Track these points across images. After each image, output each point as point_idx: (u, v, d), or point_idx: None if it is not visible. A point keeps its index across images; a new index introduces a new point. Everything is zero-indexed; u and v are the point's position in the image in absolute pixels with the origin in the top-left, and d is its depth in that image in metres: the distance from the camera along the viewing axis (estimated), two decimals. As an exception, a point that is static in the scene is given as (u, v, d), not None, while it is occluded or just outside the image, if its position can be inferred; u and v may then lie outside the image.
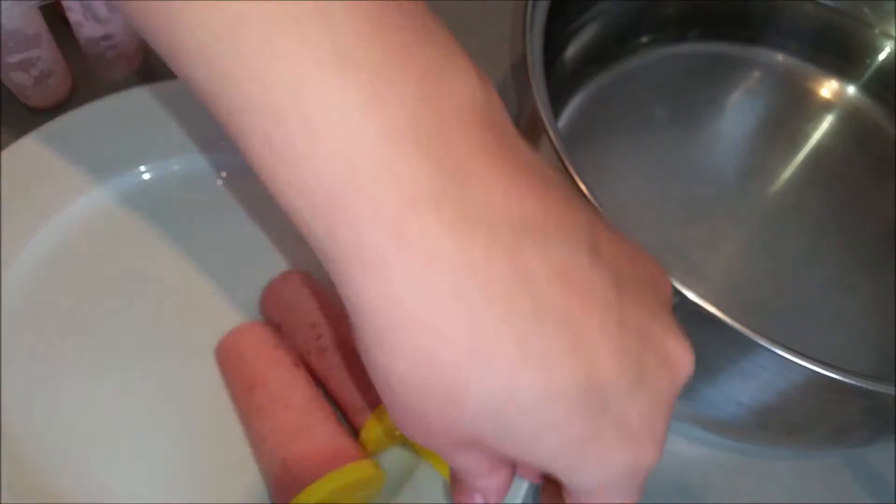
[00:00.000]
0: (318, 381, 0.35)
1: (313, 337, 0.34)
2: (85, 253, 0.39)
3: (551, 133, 0.31)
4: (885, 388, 0.27)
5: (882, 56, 0.49)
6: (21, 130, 0.40)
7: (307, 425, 0.32)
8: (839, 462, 0.38)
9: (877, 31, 0.49)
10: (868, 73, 0.49)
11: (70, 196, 0.39)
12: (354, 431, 0.33)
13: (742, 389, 0.31)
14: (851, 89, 0.49)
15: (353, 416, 0.33)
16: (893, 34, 0.48)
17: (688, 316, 0.29)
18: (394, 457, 0.35)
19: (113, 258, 0.39)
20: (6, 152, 0.39)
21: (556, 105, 0.45)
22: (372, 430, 0.32)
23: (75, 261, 0.39)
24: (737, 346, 0.29)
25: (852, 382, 0.27)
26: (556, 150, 0.30)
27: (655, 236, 0.41)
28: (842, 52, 0.49)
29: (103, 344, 0.37)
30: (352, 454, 0.31)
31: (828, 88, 0.49)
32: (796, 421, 0.33)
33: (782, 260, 0.42)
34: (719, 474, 0.37)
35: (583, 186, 0.29)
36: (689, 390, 0.34)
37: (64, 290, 0.38)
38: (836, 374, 0.26)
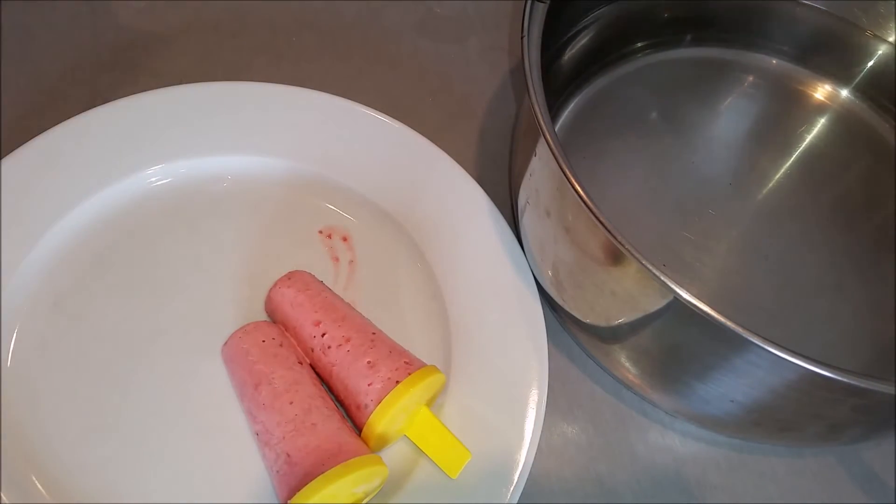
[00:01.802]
0: (322, 379, 0.36)
1: (317, 334, 0.35)
2: (94, 253, 0.40)
3: (548, 136, 0.31)
4: (878, 386, 0.27)
5: (875, 59, 0.49)
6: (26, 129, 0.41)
7: (312, 421, 0.32)
8: (833, 459, 0.38)
9: (870, 34, 0.49)
10: (861, 76, 0.49)
11: (80, 197, 0.40)
12: (357, 428, 0.34)
13: (735, 387, 0.32)
14: (844, 92, 0.49)
15: (356, 412, 0.34)
16: (886, 37, 0.49)
17: (681, 315, 0.29)
18: (396, 453, 0.35)
19: (121, 258, 0.40)
20: (17, 154, 0.40)
21: (554, 108, 0.45)
22: (375, 426, 0.33)
23: (85, 260, 0.39)
24: (730, 344, 0.29)
25: (844, 380, 0.27)
26: (553, 153, 0.31)
27: (650, 236, 0.42)
28: (835, 56, 0.49)
29: (110, 341, 0.37)
30: (355, 449, 0.32)
31: (821, 91, 0.49)
32: (789, 418, 0.33)
33: (775, 260, 0.42)
34: (713, 470, 0.38)
35: (579, 188, 0.30)
36: (683, 387, 0.34)
37: (73, 289, 0.38)
38: (829, 372, 0.27)
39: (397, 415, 0.33)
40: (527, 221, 0.38)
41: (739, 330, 0.27)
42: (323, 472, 0.30)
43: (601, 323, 0.36)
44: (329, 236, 0.41)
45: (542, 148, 0.33)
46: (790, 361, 0.27)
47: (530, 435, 0.35)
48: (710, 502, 0.37)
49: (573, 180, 0.30)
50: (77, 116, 0.41)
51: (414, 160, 0.42)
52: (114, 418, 0.35)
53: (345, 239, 0.41)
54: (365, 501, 0.33)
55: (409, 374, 0.33)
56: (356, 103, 0.43)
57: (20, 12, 0.49)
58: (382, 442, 0.34)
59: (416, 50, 0.50)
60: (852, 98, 0.49)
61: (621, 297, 0.33)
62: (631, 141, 0.45)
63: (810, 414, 0.33)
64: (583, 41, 0.45)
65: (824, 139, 0.47)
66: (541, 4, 0.35)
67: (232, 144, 0.42)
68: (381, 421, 0.33)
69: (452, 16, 0.53)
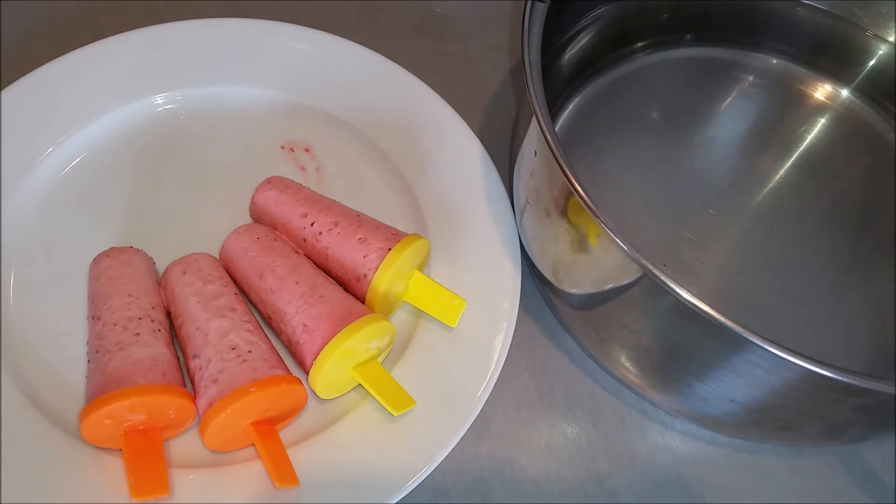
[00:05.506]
0: (318, 265, 0.38)
1: (307, 224, 0.38)
2: (95, 174, 0.42)
3: (548, 136, 0.31)
4: (878, 386, 0.27)
5: (875, 59, 0.49)
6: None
7: (319, 294, 0.35)
8: (833, 459, 0.38)
9: (870, 33, 0.49)
10: (861, 76, 0.49)
11: (80, 123, 0.42)
12: (359, 300, 0.37)
13: (735, 386, 0.32)
14: (845, 92, 0.49)
15: (357, 284, 0.37)
16: (886, 37, 0.49)
17: (681, 314, 0.29)
18: (398, 319, 0.39)
19: (118, 181, 0.42)
20: (21, 82, 0.42)
21: (554, 108, 0.45)
22: (377, 288, 0.36)
23: (88, 177, 0.42)
24: (730, 344, 0.29)
25: (844, 380, 0.27)
26: (553, 153, 0.31)
27: (650, 236, 0.42)
28: (835, 56, 0.49)
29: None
30: (364, 311, 0.35)
31: (821, 91, 0.49)
32: (789, 418, 0.33)
33: (775, 259, 0.42)
34: (713, 470, 0.38)
35: (579, 188, 0.30)
36: (684, 387, 0.34)
37: (75, 203, 0.41)
38: (829, 372, 0.27)
39: (395, 278, 0.36)
40: (527, 221, 0.38)
41: (739, 330, 0.27)
42: (340, 331, 0.33)
43: (601, 322, 0.36)
44: (291, 150, 0.44)
45: (542, 148, 0.33)
46: (790, 361, 0.27)
47: (516, 283, 0.39)
48: (710, 502, 0.37)
49: (573, 180, 0.30)
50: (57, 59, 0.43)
51: (365, 71, 0.45)
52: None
53: (307, 150, 0.44)
54: (380, 358, 0.36)
55: (399, 241, 0.36)
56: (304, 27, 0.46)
57: None
58: (385, 308, 0.37)
59: (416, 50, 0.50)
60: (852, 98, 0.49)
61: (621, 296, 0.33)
62: (631, 141, 0.46)
63: (810, 414, 0.33)
64: (583, 41, 0.45)
65: (824, 139, 0.48)
66: (541, 4, 0.35)
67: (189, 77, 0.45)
68: (382, 282, 0.35)
69: (452, 16, 0.53)
